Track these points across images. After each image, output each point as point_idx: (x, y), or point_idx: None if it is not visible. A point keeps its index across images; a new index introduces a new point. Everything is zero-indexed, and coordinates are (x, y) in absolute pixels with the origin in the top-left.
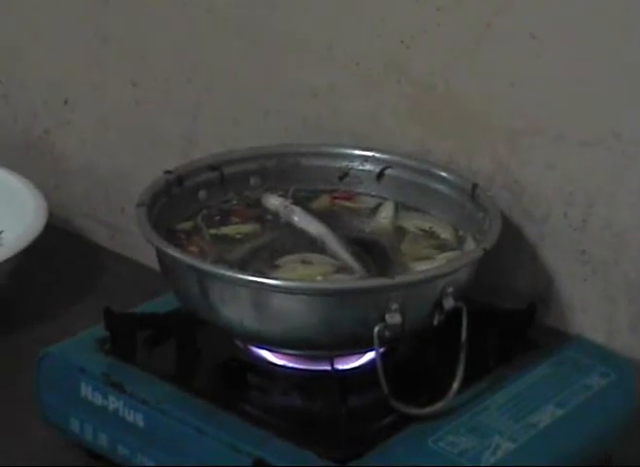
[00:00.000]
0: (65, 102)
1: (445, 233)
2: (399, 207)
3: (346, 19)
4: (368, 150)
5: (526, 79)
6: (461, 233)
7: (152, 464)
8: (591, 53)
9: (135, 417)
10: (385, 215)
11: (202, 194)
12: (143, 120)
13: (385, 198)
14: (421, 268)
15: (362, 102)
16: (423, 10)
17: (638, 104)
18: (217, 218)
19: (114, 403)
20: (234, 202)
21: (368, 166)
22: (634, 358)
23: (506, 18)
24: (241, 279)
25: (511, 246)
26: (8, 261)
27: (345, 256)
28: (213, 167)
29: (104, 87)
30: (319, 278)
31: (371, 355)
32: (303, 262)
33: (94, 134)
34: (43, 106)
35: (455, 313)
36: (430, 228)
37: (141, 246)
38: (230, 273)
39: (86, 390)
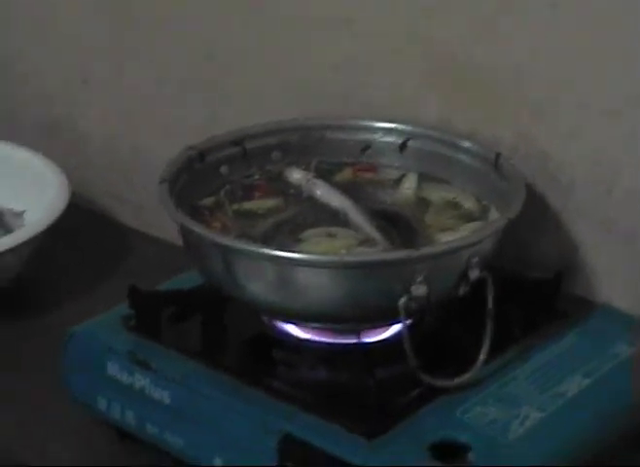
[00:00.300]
0: (85, 82)
1: (469, 204)
2: (421, 179)
3: None
4: (390, 122)
5: (547, 48)
6: (485, 202)
7: (181, 441)
8: (611, 21)
9: (162, 395)
10: (409, 186)
11: (224, 169)
12: (164, 97)
13: (408, 170)
14: (446, 238)
15: (383, 74)
16: None
17: None
18: (239, 193)
19: (140, 381)
20: (257, 177)
21: (390, 138)
22: None
23: None
24: (265, 254)
25: (535, 215)
26: (30, 241)
27: (369, 228)
28: (235, 142)
29: (123, 65)
30: (343, 251)
31: (397, 327)
32: (328, 235)
33: (115, 113)
34: (63, 86)
35: (481, 284)
36: (454, 198)
37: (165, 223)
38: (254, 248)
39: (112, 368)
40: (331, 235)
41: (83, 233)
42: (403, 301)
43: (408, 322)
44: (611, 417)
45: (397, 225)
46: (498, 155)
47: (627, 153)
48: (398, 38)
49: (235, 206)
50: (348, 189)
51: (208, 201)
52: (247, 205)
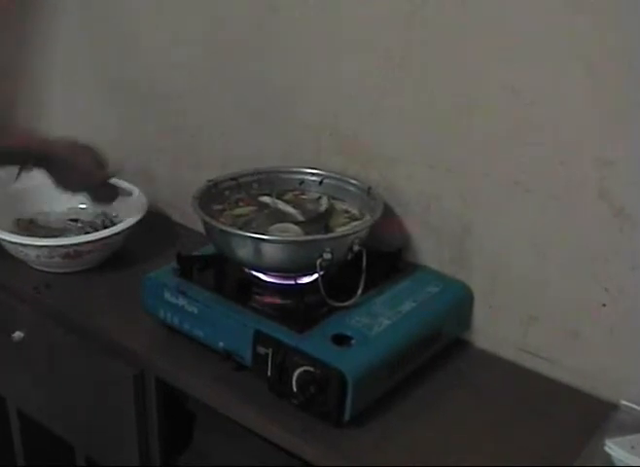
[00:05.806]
0: (160, 149)
1: (354, 211)
2: (330, 198)
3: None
4: (314, 169)
5: (386, 135)
6: (363, 211)
7: (201, 333)
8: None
9: (192, 309)
10: (323, 202)
11: (227, 192)
12: (197, 150)
13: (323, 194)
14: (342, 229)
15: (310, 146)
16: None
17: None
18: (234, 204)
19: (181, 301)
20: (243, 196)
21: (314, 178)
22: (451, 276)
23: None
24: (247, 236)
25: (387, 217)
26: (127, 229)
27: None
28: (233, 179)
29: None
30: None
31: (315, 275)
32: (283, 230)
33: (186, 163)
34: (152, 154)
35: (359, 253)
36: (347, 209)
37: (196, 220)
38: (241, 233)
39: (167, 295)
40: (284, 230)
41: (152, 225)
42: (319, 261)
43: (321, 272)
44: (425, 323)
45: (317, 221)
46: (369, 187)
47: (436, 188)
48: (320, 129)
49: (231, 211)
50: (292, 203)
51: (218, 208)
52: (237, 211)
